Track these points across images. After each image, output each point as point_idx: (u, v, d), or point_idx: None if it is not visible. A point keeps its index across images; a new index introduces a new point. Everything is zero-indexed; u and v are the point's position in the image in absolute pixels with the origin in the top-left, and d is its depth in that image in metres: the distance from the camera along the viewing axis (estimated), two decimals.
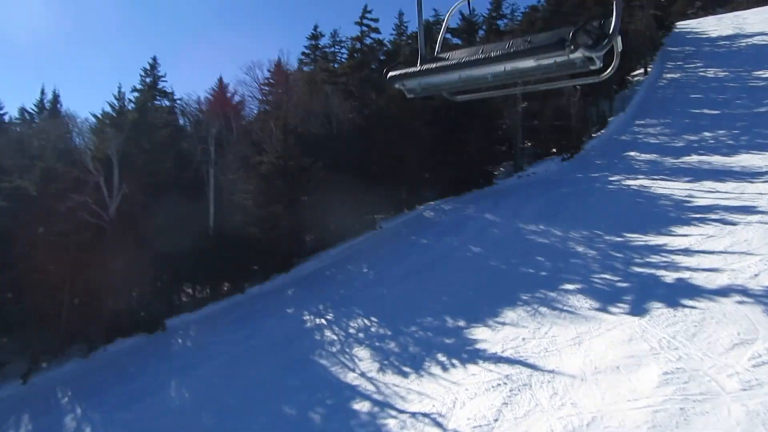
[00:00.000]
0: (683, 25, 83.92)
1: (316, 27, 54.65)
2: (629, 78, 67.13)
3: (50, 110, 42.32)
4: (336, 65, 44.36)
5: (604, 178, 40.55)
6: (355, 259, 32.84)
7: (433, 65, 3.56)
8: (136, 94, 55.22)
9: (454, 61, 3.49)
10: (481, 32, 75.46)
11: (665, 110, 54.26)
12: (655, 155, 43.83)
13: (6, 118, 43.41)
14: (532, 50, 3.16)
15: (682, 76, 63.64)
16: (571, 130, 48.59)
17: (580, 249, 28.51)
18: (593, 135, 51.71)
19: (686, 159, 41.65)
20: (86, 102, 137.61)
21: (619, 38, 3.18)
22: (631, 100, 58.04)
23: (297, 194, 30.81)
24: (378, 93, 38.09)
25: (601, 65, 3.32)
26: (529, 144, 52.93)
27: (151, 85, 55.27)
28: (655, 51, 70.69)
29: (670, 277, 22.67)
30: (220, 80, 41.21)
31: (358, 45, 41.66)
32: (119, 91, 31.04)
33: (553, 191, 38.67)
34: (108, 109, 29.72)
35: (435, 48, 4.04)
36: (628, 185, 37.49)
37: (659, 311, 19.65)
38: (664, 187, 35.85)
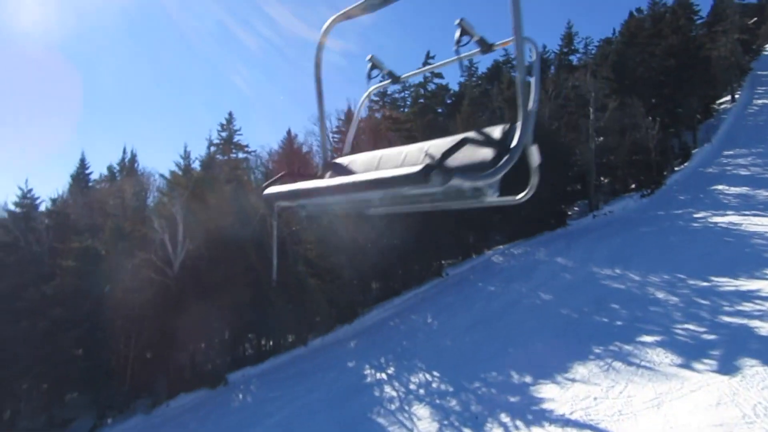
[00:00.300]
0: None
1: (429, 53, 54.85)
2: (715, 106, 63.28)
3: (128, 169, 44.41)
4: (405, 110, 44.22)
5: (688, 215, 37.67)
6: (420, 308, 31.70)
7: (308, 186, 2.92)
8: (212, 148, 57.56)
9: (318, 186, 2.86)
10: (552, 69, 74.40)
11: (757, 139, 50.35)
12: (746, 188, 40.45)
13: (92, 177, 46.00)
14: (387, 181, 2.35)
15: None
16: (651, 164, 45.87)
17: (660, 295, 26.15)
18: (676, 169, 48.58)
19: None
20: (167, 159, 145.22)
21: (534, 150, 2.62)
22: (717, 130, 54.35)
23: (359, 243, 30.26)
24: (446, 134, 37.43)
25: (497, 195, 2.70)
26: (606, 180, 50.49)
27: (227, 139, 57.28)
28: (743, 76, 66.47)
29: (765, 328, 20.18)
30: (288, 132, 41.96)
31: (422, 91, 41.40)
32: (185, 151, 32.22)
33: (630, 231, 36.20)
34: (175, 168, 30.78)
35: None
36: (716, 222, 34.55)
37: (753, 370, 17.34)
38: (758, 224, 32.73)
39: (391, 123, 37.96)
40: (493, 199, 2.74)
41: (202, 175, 30.55)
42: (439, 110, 49.61)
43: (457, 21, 2.97)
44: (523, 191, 3.02)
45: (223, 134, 56.75)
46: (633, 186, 46.93)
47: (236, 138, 56.91)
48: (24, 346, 22.31)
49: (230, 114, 56.37)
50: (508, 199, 3.02)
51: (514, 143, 2.43)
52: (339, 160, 3.40)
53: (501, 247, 38.06)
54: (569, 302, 27.61)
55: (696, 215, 37.21)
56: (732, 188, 41.37)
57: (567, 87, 50.12)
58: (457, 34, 2.99)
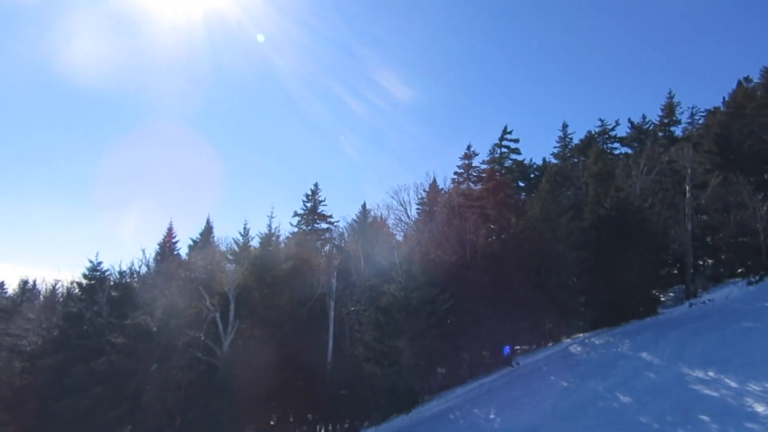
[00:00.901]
0: None
1: (469, 146, 54.23)
2: None
3: (203, 242, 45.88)
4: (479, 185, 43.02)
5: None
6: (484, 401, 29.44)
7: None
8: (297, 218, 58.69)
9: None
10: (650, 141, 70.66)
11: None
12: None
13: (178, 247, 47.97)
14: None
15: None
16: (760, 247, 41.41)
17: (759, 409, 22.61)
18: None
19: None
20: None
21: None
22: None
23: (420, 327, 28.88)
24: (518, 216, 35.81)
25: None
26: (709, 263, 46.17)
27: (312, 209, 58.38)
28: None
29: None
30: (364, 206, 41.90)
31: (498, 166, 40.15)
32: (244, 228, 32.79)
33: (731, 325, 32.28)
34: (233, 245, 31.27)
35: None
36: None
37: None
38: None
39: (464, 200, 36.87)
40: None
41: (258, 252, 30.72)
42: (521, 184, 48.00)
43: None
44: None
45: (308, 204, 57.96)
46: (740, 271, 42.53)
47: (320, 209, 57.90)
48: (66, 424, 22.57)
49: (316, 184, 57.55)
50: None
51: None
52: None
53: (581, 335, 35.16)
54: (651, 408, 24.53)
55: None
56: None
57: (662, 161, 47.04)
58: None
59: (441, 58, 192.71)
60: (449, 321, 29.20)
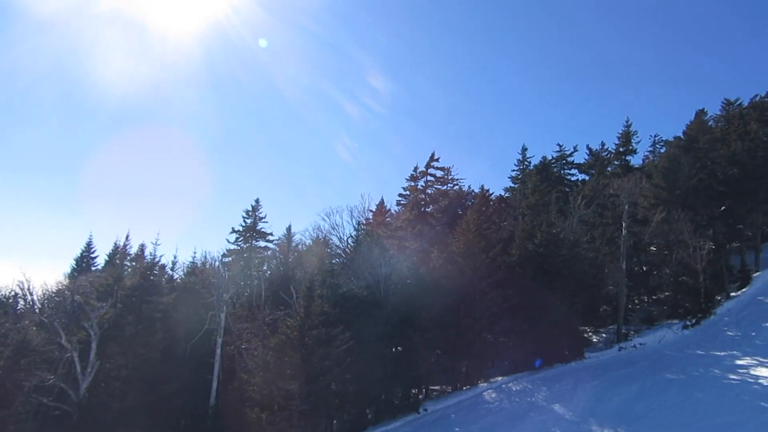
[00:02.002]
0: None
1: (416, 168, 51.66)
2: None
3: (121, 257, 42.96)
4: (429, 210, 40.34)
5: (730, 359, 31.63)
6: None
7: None
8: (234, 235, 56.07)
9: None
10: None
11: None
12: None
13: (97, 263, 45.07)
14: None
15: None
16: (698, 289, 39.81)
17: None
18: (732, 294, 42.14)
19: None
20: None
21: None
22: None
23: (316, 369, 26.54)
24: (440, 249, 33.70)
25: None
26: (647, 301, 44.49)
27: (251, 226, 55.83)
28: None
29: None
30: (288, 229, 39.65)
31: (422, 196, 37.85)
32: (115, 249, 29.86)
33: (654, 376, 30.53)
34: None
35: None
36: (758, 377, 28.45)
37: None
38: None
39: (384, 230, 34.63)
40: None
41: (135, 282, 28.12)
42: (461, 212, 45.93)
43: None
44: None
45: (248, 221, 55.47)
46: (681, 311, 40.87)
47: (260, 226, 55.40)
48: None
49: (257, 200, 55.05)
50: None
51: None
52: None
53: (500, 379, 33.00)
54: None
55: (739, 361, 31.16)
56: None
57: (606, 193, 45.40)
58: None
59: (439, 62, 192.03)
60: (348, 361, 26.82)
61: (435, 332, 30.77)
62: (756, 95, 69.52)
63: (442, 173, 37.39)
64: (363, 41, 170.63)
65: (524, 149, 72.05)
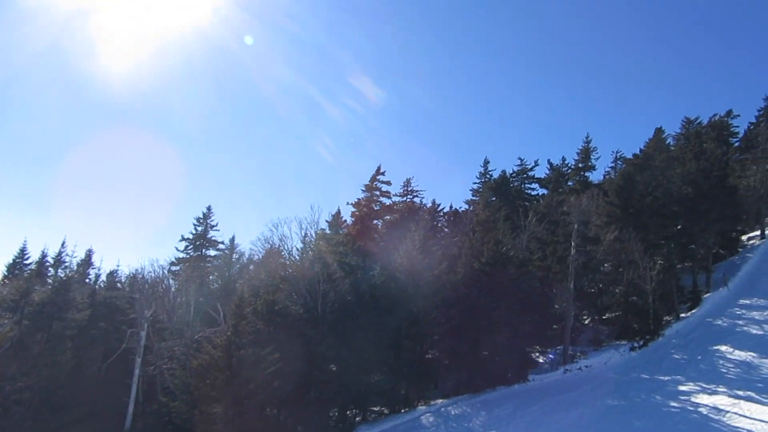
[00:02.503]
0: None
1: (379, 169, 49.58)
2: (744, 240, 56.21)
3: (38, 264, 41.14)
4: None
5: (673, 385, 31.16)
6: None
7: None
8: (184, 243, 54.34)
9: None
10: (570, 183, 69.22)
11: None
12: (752, 354, 33.71)
13: (29, 268, 42.98)
14: None
15: None
16: (647, 310, 39.39)
17: None
18: (682, 315, 41.85)
19: None
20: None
21: None
22: (738, 271, 47.40)
23: (242, 392, 25.19)
24: (383, 266, 32.59)
25: None
26: (598, 320, 43.84)
27: (201, 234, 54.12)
28: None
29: None
30: (232, 240, 38.13)
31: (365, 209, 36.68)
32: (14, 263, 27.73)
33: (596, 401, 29.86)
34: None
35: None
36: (698, 404, 27.96)
37: None
38: (747, 416, 26.05)
39: (325, 245, 33.35)
40: None
41: (46, 297, 26.46)
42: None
43: None
44: None
45: (199, 228, 53.79)
46: (630, 332, 40.37)
47: (211, 234, 53.77)
48: None
49: (209, 207, 53.49)
50: None
51: None
52: None
53: (440, 402, 31.96)
54: None
55: (682, 387, 30.72)
56: (736, 351, 34.58)
57: (558, 211, 44.89)
58: None
59: (418, 64, 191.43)
60: (276, 385, 25.51)
61: (372, 353, 29.60)
62: (715, 114, 70.26)
63: (388, 187, 36.26)
64: (345, 42, 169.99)
65: (486, 162, 71.73)
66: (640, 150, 57.77)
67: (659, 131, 60.25)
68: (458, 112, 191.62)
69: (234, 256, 42.23)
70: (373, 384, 30.66)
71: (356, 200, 35.71)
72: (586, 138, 65.09)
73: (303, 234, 38.05)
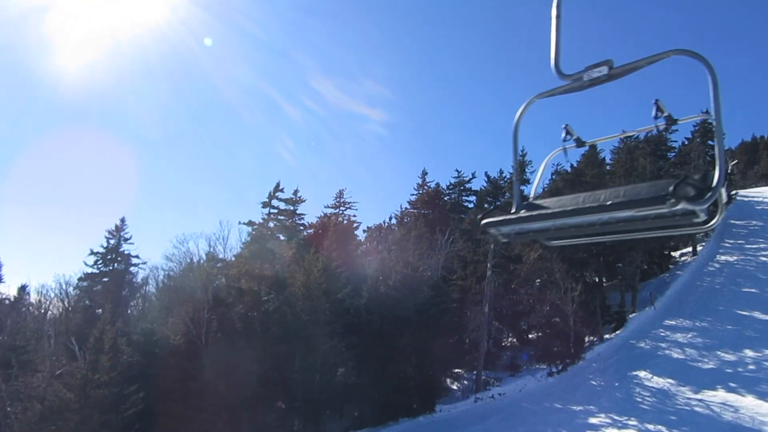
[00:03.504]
0: (756, 192, 71.42)
1: (278, 185, 45.03)
2: (676, 257, 55.65)
3: None
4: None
5: (584, 416, 29.72)
6: None
7: (531, 213, 3.76)
8: (93, 257, 50.77)
9: (551, 211, 3.62)
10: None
11: (706, 308, 42.37)
12: (670, 381, 32.53)
13: None
14: (631, 203, 3.17)
15: (739, 259, 51.31)
16: (568, 332, 37.93)
17: None
18: (606, 336, 40.53)
19: (708, 394, 30.16)
20: None
21: (723, 190, 3.21)
22: (666, 290, 46.46)
23: None
24: (279, 289, 30.13)
25: (705, 218, 3.32)
26: (518, 343, 42.11)
27: (113, 248, 50.68)
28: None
29: None
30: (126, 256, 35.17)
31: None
32: None
33: None
34: None
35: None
36: None
37: None
38: None
39: (216, 268, 30.64)
40: (698, 220, 3.15)
41: None
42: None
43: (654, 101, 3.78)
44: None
45: (111, 241, 50.39)
46: (550, 355, 38.80)
47: (124, 248, 50.39)
48: None
49: (122, 219, 50.10)
50: (697, 228, 3.44)
51: (714, 183, 3.02)
52: (536, 201, 4.05)
53: None
54: None
55: (592, 419, 29.31)
56: (655, 378, 33.36)
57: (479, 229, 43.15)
58: (654, 111, 3.79)
59: (383, 68, 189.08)
60: (137, 427, 22.83)
61: (258, 388, 27.11)
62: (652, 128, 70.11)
63: (286, 205, 33.57)
64: (305, 45, 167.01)
65: (424, 173, 69.29)
66: (571, 165, 56.66)
67: (592, 146, 59.29)
68: (422, 116, 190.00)
69: (143, 273, 39.20)
70: (263, 419, 28.14)
71: (248, 220, 33.22)
72: (522, 151, 63.78)
73: (207, 252, 35.45)
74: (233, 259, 31.56)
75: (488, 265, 35.71)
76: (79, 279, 47.86)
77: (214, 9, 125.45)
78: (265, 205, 32.81)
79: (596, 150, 61.01)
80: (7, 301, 43.67)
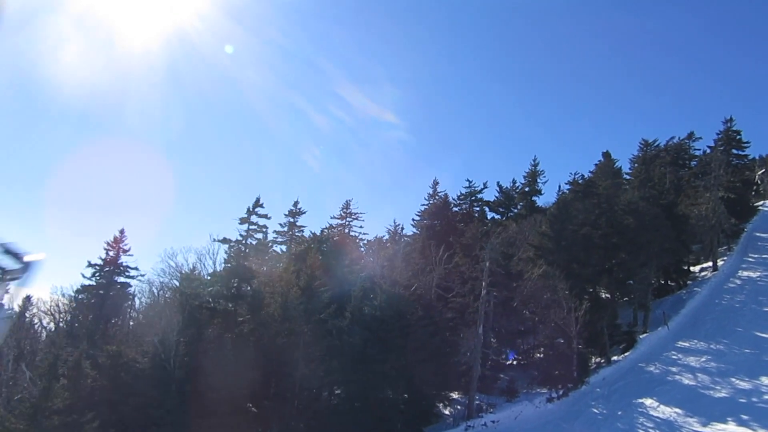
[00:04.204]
0: None
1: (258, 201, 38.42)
2: (696, 272, 52.75)
3: None
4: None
5: None
6: None
7: None
8: (91, 269, 50.00)
9: None
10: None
11: (723, 328, 39.85)
12: (677, 411, 30.38)
13: None
14: None
15: (763, 275, 48.46)
16: (570, 355, 35.72)
17: None
18: (614, 359, 38.24)
19: (717, 428, 27.93)
20: None
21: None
22: (682, 308, 43.83)
23: None
24: (255, 310, 28.64)
25: None
26: (517, 365, 39.79)
27: (112, 259, 49.90)
28: (734, 239, 55.94)
29: None
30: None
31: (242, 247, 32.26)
32: None
33: None
34: None
35: None
36: None
37: None
38: None
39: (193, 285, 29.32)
40: None
41: None
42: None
43: None
44: None
45: (111, 253, 49.61)
46: (552, 378, 36.62)
47: (122, 259, 49.53)
48: None
49: (122, 231, 49.35)
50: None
51: None
52: None
53: None
54: None
55: None
56: (661, 407, 31.20)
57: (478, 245, 41.20)
58: None
59: (409, 75, 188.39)
60: None
61: (228, 417, 25.68)
62: (672, 137, 67.36)
63: (266, 221, 32.13)
64: (331, 53, 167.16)
65: (435, 182, 67.28)
66: (582, 176, 54.32)
67: (607, 155, 56.73)
68: (450, 123, 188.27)
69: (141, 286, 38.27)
70: None
71: (223, 237, 31.73)
72: (534, 160, 61.75)
73: (192, 267, 34.33)
74: (209, 277, 30.29)
75: (483, 283, 33.77)
76: (77, 291, 47.17)
77: (241, 18, 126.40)
78: (243, 221, 31.38)
79: (611, 159, 58.55)
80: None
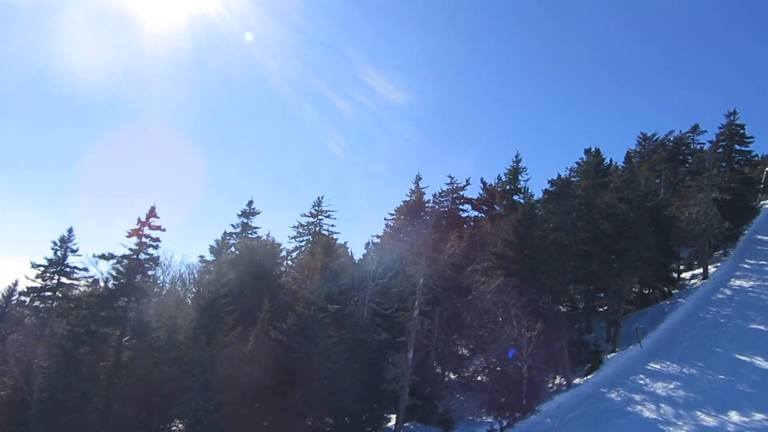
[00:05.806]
0: None
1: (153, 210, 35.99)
2: (686, 278, 48.09)
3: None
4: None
5: None
6: None
7: None
8: (36, 270, 47.04)
9: None
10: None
11: (701, 348, 35.74)
12: None
13: None
14: None
15: (755, 285, 43.78)
16: (520, 381, 31.90)
17: None
18: (576, 381, 34.37)
19: None
20: None
21: None
22: (661, 323, 39.56)
23: None
24: (141, 335, 25.29)
25: None
26: (462, 391, 35.88)
27: (57, 260, 46.85)
28: (734, 241, 51.02)
29: None
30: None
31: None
32: None
33: None
34: None
35: None
36: None
37: None
38: None
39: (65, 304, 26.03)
40: None
41: None
42: None
43: None
44: None
45: (59, 252, 46.57)
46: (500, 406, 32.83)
47: (69, 259, 46.45)
48: None
49: (70, 230, 46.09)
50: None
51: None
52: None
53: None
54: None
55: None
56: None
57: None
58: None
59: (432, 61, 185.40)
60: None
61: None
62: (671, 131, 62.58)
63: (159, 233, 28.42)
64: (355, 38, 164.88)
65: (418, 178, 63.14)
66: (558, 175, 49.85)
67: (592, 152, 51.79)
68: (473, 109, 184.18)
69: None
70: None
71: (107, 253, 28.05)
72: (516, 157, 57.45)
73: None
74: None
75: (416, 303, 30.06)
76: (21, 293, 44.50)
77: (265, 3, 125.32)
78: (132, 233, 27.61)
79: (599, 156, 53.66)
80: None
